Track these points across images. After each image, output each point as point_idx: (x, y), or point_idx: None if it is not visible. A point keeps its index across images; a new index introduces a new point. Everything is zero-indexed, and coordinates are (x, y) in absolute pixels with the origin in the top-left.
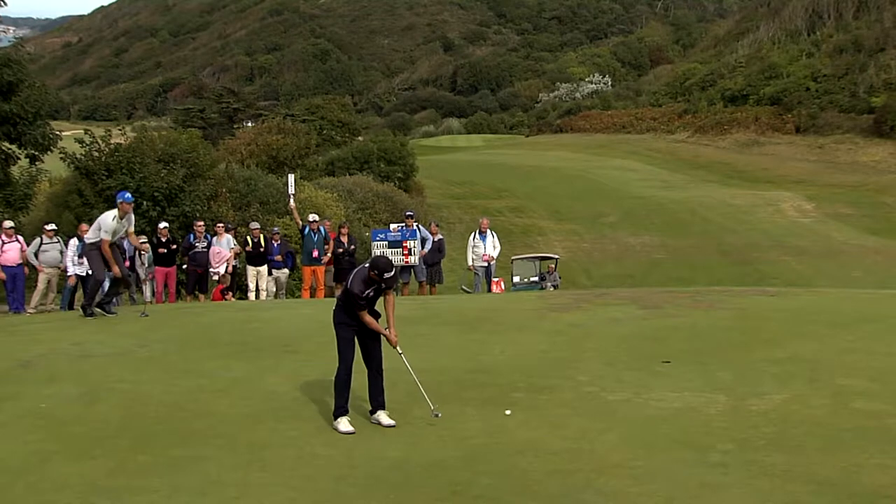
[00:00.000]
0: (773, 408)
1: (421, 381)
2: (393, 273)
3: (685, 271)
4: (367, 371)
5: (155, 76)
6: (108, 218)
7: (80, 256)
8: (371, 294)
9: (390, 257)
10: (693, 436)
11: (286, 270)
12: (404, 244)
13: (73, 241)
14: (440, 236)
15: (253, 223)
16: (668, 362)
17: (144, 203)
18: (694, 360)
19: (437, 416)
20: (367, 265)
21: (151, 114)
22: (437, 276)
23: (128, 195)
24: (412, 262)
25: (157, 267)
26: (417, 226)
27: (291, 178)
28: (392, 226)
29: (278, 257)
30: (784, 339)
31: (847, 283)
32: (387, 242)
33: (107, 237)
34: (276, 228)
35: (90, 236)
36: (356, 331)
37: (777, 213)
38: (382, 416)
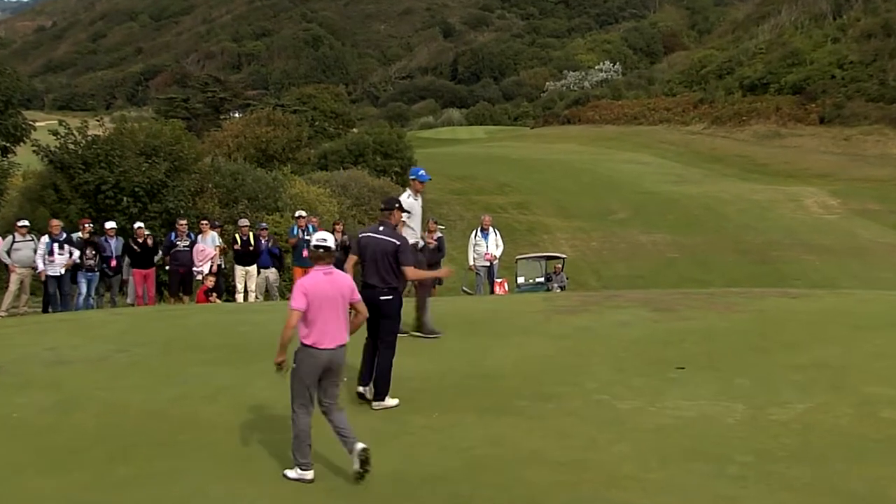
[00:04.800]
0: (794, 417)
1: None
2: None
3: (700, 271)
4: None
5: (135, 63)
6: (403, 196)
7: (49, 254)
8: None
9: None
10: (709, 446)
11: (274, 269)
12: None
13: (45, 239)
14: (439, 234)
15: (242, 220)
16: (683, 368)
17: (125, 199)
18: (710, 365)
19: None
20: (375, 225)
21: (131, 103)
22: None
23: (422, 172)
24: None
25: (134, 269)
26: None
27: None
28: None
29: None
30: (806, 344)
31: (874, 283)
32: None
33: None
34: (263, 224)
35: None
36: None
37: (799, 209)
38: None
